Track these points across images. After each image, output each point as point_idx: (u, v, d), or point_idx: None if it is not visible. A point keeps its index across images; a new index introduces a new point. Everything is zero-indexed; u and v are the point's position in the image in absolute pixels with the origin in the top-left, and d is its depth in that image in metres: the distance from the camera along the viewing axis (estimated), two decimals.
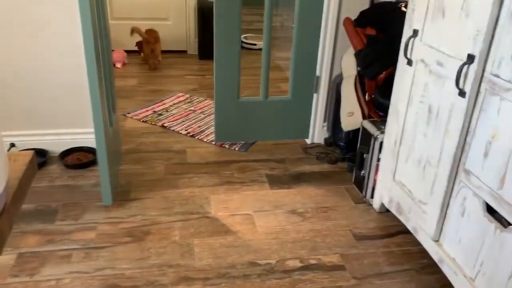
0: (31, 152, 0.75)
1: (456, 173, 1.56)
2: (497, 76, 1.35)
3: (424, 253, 1.83)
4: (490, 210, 1.42)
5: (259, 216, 2.11)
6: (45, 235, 1.90)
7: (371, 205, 2.22)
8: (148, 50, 3.94)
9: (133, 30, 3.91)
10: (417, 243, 1.87)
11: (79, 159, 2.44)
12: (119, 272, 1.73)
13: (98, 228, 1.96)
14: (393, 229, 2.05)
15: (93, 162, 2.40)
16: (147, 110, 3.16)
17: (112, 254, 1.82)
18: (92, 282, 1.67)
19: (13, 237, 1.88)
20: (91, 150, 2.48)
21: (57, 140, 2.49)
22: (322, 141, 2.84)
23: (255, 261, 1.83)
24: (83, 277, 1.69)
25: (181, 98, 3.41)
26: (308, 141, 2.86)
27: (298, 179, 2.44)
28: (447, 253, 1.63)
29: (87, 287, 1.65)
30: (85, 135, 2.49)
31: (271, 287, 1.70)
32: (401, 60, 1.87)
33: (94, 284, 1.66)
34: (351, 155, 2.52)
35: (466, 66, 1.45)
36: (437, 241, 1.69)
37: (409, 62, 1.80)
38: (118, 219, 2.03)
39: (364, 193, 2.24)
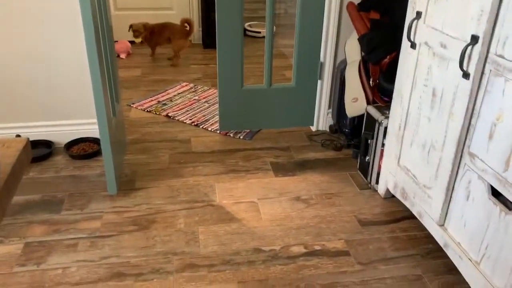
0: (25, 138, 0.75)
1: (461, 156, 1.54)
2: (501, 56, 1.33)
3: (429, 238, 1.82)
4: (495, 193, 1.40)
5: (264, 204, 2.11)
6: (51, 225, 1.92)
7: (376, 190, 2.20)
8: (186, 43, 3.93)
9: (185, 21, 3.88)
10: (423, 228, 1.85)
11: (84, 149, 2.46)
12: (125, 260, 1.74)
13: (104, 217, 1.97)
14: (398, 215, 2.04)
15: (98, 152, 2.41)
16: (151, 100, 3.16)
17: (117, 243, 1.83)
18: (98, 270, 1.69)
19: (20, 227, 1.90)
20: (96, 141, 2.49)
21: (62, 131, 2.50)
22: (327, 128, 2.82)
23: (260, 248, 1.83)
24: (89, 266, 1.71)
25: (186, 88, 3.41)
26: (313, 128, 2.85)
27: (303, 166, 2.43)
28: (452, 238, 1.62)
29: (93, 275, 1.66)
30: (90, 126, 2.50)
31: (276, 273, 1.70)
32: (405, 43, 1.84)
33: (100, 272, 1.68)
34: (356, 141, 2.50)
35: (470, 47, 1.42)
36: (442, 225, 1.68)
37: (413, 45, 1.77)
38: (123, 208, 2.04)
39: (369, 179, 2.23)
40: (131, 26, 3.81)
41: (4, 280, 1.63)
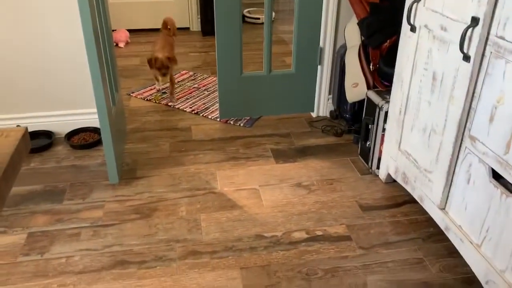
0: (24, 127, 0.75)
1: (462, 140, 1.54)
2: (502, 38, 1.31)
3: (430, 221, 1.83)
4: (495, 176, 1.40)
5: (265, 190, 2.11)
6: (54, 215, 1.93)
7: (377, 175, 2.20)
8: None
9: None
10: (424, 212, 1.86)
11: (84, 139, 2.46)
12: (128, 248, 1.75)
13: (106, 207, 1.98)
14: (400, 199, 2.04)
15: (98, 142, 2.41)
16: (151, 89, 3.15)
17: (120, 231, 1.84)
18: (101, 258, 1.70)
19: (23, 217, 1.91)
20: (96, 130, 2.49)
21: (63, 121, 2.50)
22: (327, 114, 2.81)
23: (262, 234, 1.84)
24: (92, 254, 1.72)
25: (185, 76, 3.39)
26: (314, 114, 2.84)
27: (304, 152, 2.43)
28: (453, 221, 1.62)
29: (97, 264, 1.68)
30: (90, 115, 2.50)
31: (278, 258, 1.71)
32: (405, 27, 1.82)
33: (103, 261, 1.69)
34: (357, 126, 2.50)
35: (470, 30, 1.41)
36: (443, 209, 1.68)
37: (413, 29, 1.76)
38: (125, 197, 2.05)
39: (370, 164, 2.23)
40: (154, 62, 2.90)
41: (8, 270, 1.64)
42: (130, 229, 1.85)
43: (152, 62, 2.90)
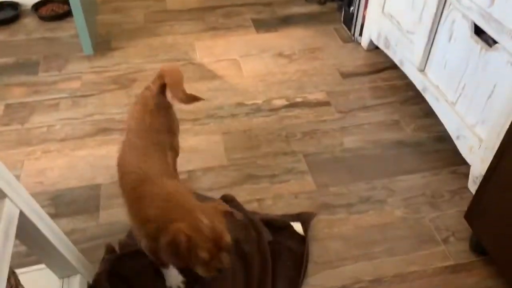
0: None
1: None
2: None
3: (409, 86, 1.85)
4: (477, 32, 1.38)
5: (246, 61, 2.07)
6: (30, 86, 1.88)
7: (359, 43, 2.16)
8: None
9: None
10: (403, 77, 1.87)
11: (54, 10, 2.31)
12: (109, 116, 1.76)
13: (83, 78, 1.94)
14: (380, 65, 2.03)
15: (69, 13, 2.27)
16: None
17: (100, 101, 1.82)
18: (83, 126, 1.71)
19: None
20: (65, 1, 2.33)
21: None
22: None
23: (242, 102, 1.85)
24: (74, 123, 1.72)
25: None
26: None
27: (286, 22, 2.34)
28: (431, 81, 1.64)
29: (79, 132, 1.69)
30: None
31: (258, 123, 1.74)
32: None
33: (85, 129, 1.70)
34: None
35: None
36: (423, 70, 1.68)
37: None
38: (102, 68, 2.00)
39: (352, 31, 2.17)
40: (186, 244, 0.91)
41: None
42: (110, 99, 1.84)
43: (180, 245, 0.92)
